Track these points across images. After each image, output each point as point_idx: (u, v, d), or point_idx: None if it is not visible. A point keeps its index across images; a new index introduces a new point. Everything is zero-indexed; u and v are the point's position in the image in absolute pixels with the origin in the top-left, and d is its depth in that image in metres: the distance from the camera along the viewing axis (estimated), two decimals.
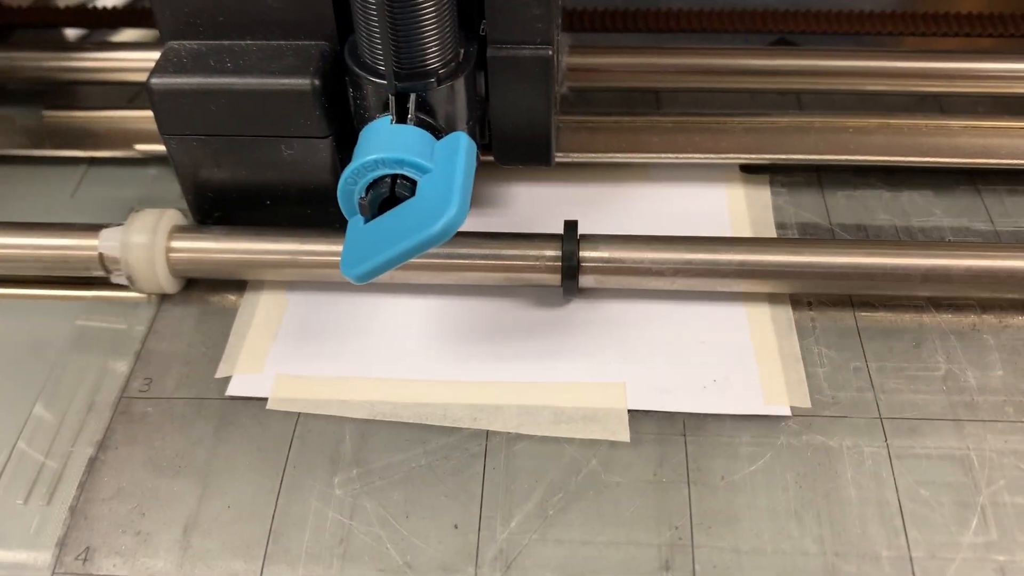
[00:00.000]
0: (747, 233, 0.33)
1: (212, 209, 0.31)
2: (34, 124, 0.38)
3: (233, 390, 0.28)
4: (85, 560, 0.25)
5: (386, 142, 0.26)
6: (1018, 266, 0.29)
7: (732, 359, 0.28)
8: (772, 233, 0.33)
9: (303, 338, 0.29)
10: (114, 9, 0.44)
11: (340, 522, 0.25)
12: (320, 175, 0.30)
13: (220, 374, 0.28)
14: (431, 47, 0.26)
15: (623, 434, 0.27)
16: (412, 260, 0.29)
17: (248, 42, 0.29)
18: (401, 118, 0.27)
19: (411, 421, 0.27)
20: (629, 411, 0.27)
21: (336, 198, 0.28)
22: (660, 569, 0.24)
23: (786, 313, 0.30)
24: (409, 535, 0.25)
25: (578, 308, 0.30)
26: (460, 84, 0.27)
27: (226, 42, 0.29)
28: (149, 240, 0.30)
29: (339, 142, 0.29)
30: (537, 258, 0.29)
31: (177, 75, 0.28)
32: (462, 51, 0.28)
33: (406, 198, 0.26)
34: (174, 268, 0.30)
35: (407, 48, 0.26)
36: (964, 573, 0.24)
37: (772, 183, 0.35)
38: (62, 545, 0.25)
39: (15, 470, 0.27)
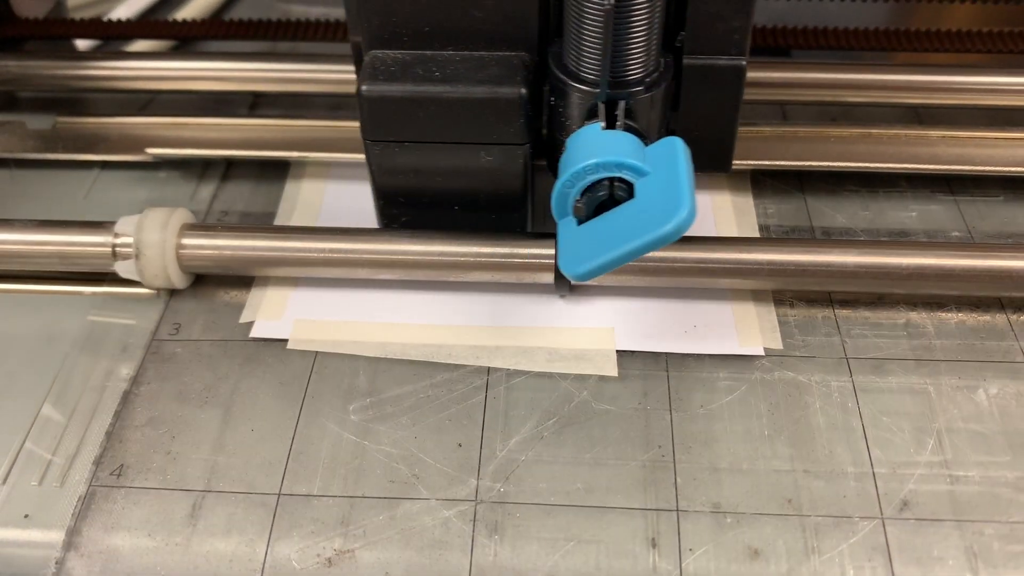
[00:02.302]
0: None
1: (400, 214, 0.32)
2: (46, 130, 0.39)
3: (256, 332, 0.31)
4: (119, 475, 0.27)
5: (603, 147, 0.27)
6: (990, 265, 0.30)
7: (712, 312, 0.31)
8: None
9: (320, 289, 0.32)
10: (121, 22, 0.45)
11: (354, 442, 0.27)
12: (512, 181, 0.30)
13: (243, 319, 0.31)
14: (642, 57, 0.28)
15: (611, 370, 0.29)
16: (409, 257, 0.30)
17: (450, 52, 0.29)
18: (610, 124, 0.28)
19: (419, 359, 0.30)
20: (617, 352, 0.30)
21: (521, 203, 0.31)
22: (645, 481, 0.26)
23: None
24: (417, 452, 0.27)
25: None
26: (660, 93, 0.29)
27: (428, 52, 0.29)
28: (160, 237, 0.31)
29: (532, 149, 0.30)
30: (531, 256, 0.30)
31: (388, 83, 0.29)
32: (662, 62, 0.29)
33: (624, 200, 0.27)
34: (184, 264, 0.31)
35: (622, 58, 0.27)
36: (921, 485, 0.26)
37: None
38: (98, 463, 0.27)
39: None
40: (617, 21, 0.26)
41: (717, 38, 0.29)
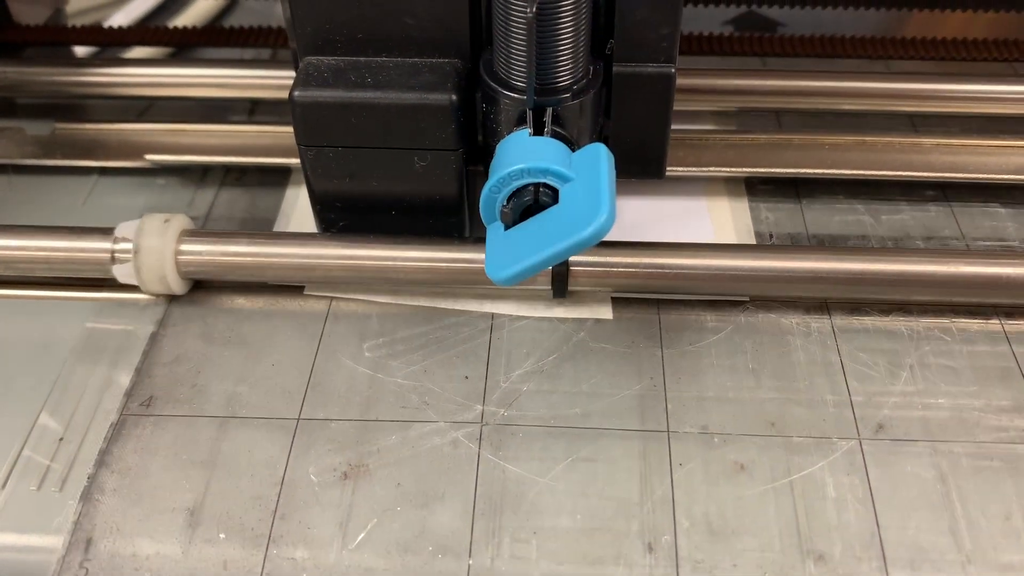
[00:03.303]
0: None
1: (338, 219, 0.32)
2: (45, 136, 0.39)
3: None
4: (148, 406, 0.29)
5: (529, 153, 0.27)
6: (983, 272, 0.31)
7: None
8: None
9: None
10: (120, 28, 0.46)
11: (368, 375, 0.30)
12: (447, 186, 0.31)
13: None
14: (568, 65, 0.28)
15: (607, 313, 0.31)
16: (411, 265, 0.31)
17: (384, 59, 0.30)
18: (538, 131, 0.28)
19: (428, 304, 0.32)
20: (611, 298, 0.32)
21: (458, 208, 0.31)
22: (638, 408, 0.28)
23: None
24: (427, 383, 0.29)
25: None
26: (589, 99, 0.29)
27: (363, 58, 0.30)
28: (159, 243, 0.31)
29: (466, 155, 0.30)
30: None
31: (320, 89, 0.29)
32: (591, 69, 0.29)
33: (549, 205, 0.27)
34: (183, 270, 0.32)
35: (548, 65, 0.28)
36: (895, 412, 0.28)
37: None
38: (129, 395, 0.29)
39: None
40: (540, 30, 0.27)
41: (645, 46, 0.29)
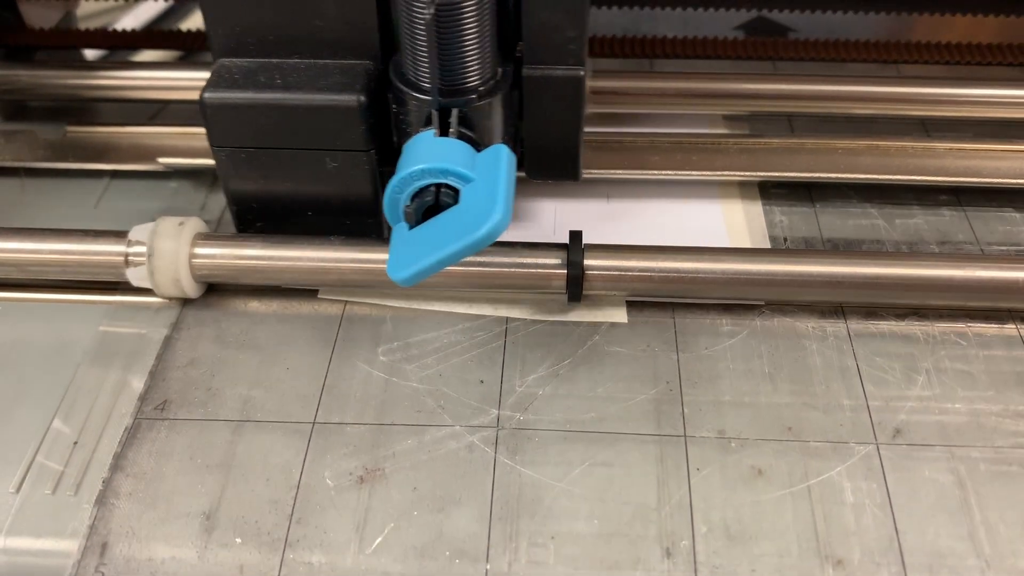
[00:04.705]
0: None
1: (255, 219, 0.32)
2: (57, 139, 0.39)
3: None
4: (163, 410, 0.29)
5: (431, 153, 0.27)
6: (998, 276, 0.30)
7: None
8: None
9: None
10: (132, 32, 0.45)
11: (383, 379, 0.29)
12: (361, 187, 0.31)
13: None
14: (473, 66, 0.28)
15: (622, 317, 0.31)
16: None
17: (296, 60, 0.30)
18: (444, 132, 0.28)
19: (442, 309, 0.32)
20: (626, 302, 0.32)
21: (374, 209, 0.31)
22: (654, 412, 0.28)
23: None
24: (442, 387, 0.29)
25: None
26: (497, 101, 0.29)
27: (275, 60, 0.30)
28: (173, 246, 0.31)
29: (379, 156, 0.31)
30: (543, 266, 0.31)
31: (230, 90, 0.29)
32: (500, 71, 0.29)
33: (450, 206, 0.27)
34: (196, 273, 0.32)
35: (451, 66, 0.28)
36: (912, 416, 0.28)
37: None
38: (143, 399, 0.29)
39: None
40: (441, 31, 0.27)
41: (553, 49, 0.29)
